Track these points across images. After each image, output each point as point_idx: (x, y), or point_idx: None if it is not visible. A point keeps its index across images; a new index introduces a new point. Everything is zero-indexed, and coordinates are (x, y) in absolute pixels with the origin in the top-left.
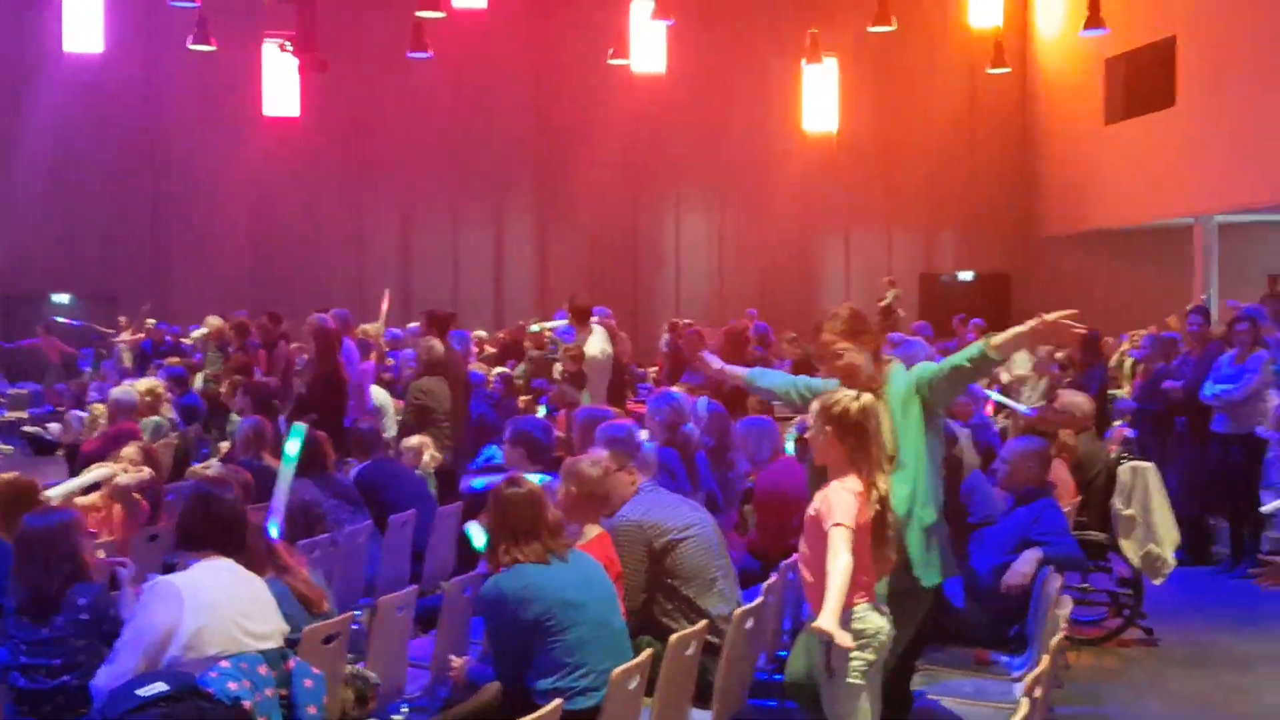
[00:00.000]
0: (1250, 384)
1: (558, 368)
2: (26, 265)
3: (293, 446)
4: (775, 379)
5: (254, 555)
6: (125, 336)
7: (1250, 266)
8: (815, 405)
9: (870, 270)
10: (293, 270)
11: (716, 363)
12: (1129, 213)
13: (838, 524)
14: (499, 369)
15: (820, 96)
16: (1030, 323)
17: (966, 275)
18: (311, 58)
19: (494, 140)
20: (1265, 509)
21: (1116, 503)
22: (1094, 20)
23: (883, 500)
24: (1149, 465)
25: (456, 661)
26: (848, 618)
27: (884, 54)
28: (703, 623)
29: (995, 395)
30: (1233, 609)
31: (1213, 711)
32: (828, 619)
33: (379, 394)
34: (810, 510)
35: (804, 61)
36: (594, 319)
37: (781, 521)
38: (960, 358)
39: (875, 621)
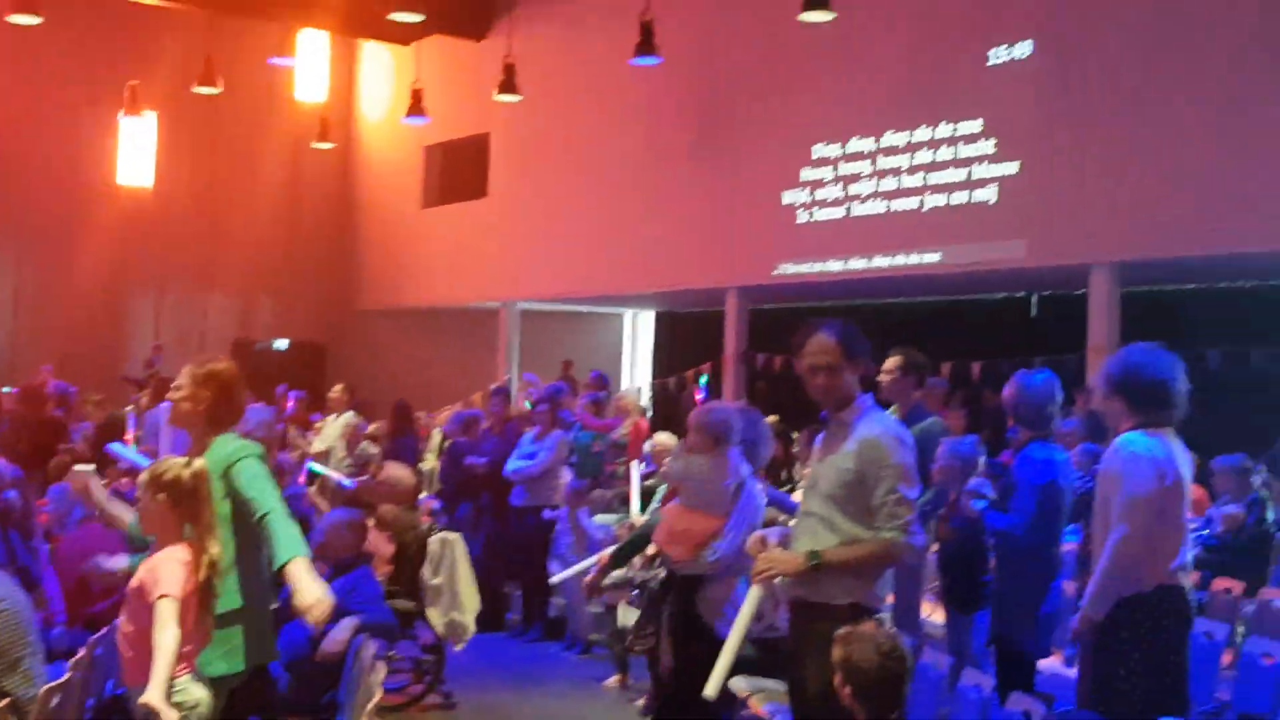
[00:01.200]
0: (546, 460)
1: None
2: None
3: None
4: None
5: None
6: None
7: (548, 350)
8: (144, 475)
9: (182, 334)
10: None
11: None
12: (442, 294)
13: (164, 595)
14: None
15: (137, 151)
16: None
17: (282, 344)
18: None
19: None
20: (554, 579)
21: (426, 572)
22: (416, 109)
23: (212, 565)
24: (456, 536)
25: None
26: (169, 691)
27: (209, 115)
28: (4, 701)
29: (314, 466)
30: (524, 671)
31: None
32: (155, 694)
33: None
34: (134, 581)
35: (121, 113)
36: None
37: (81, 589)
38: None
39: (196, 694)
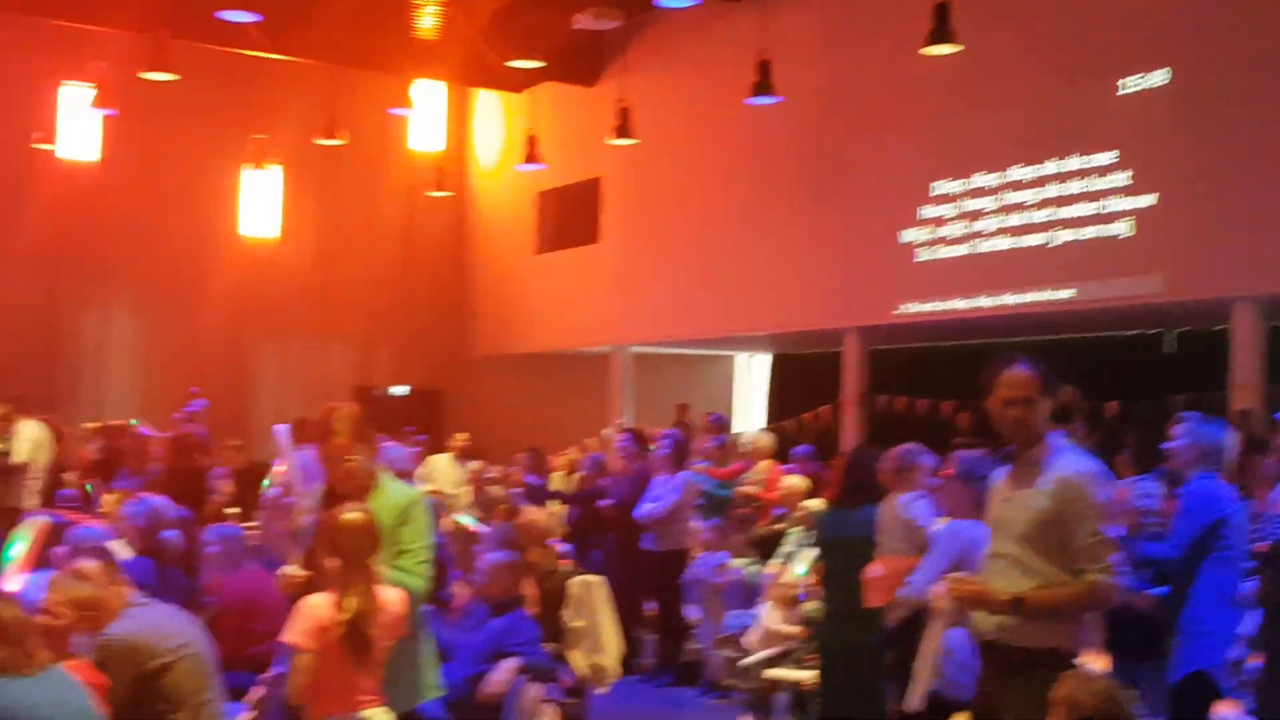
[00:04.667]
0: (670, 503)
1: None
2: None
3: None
4: None
5: None
6: None
7: (660, 394)
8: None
9: (305, 381)
10: None
11: None
12: (555, 339)
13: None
14: None
15: (261, 203)
16: None
17: (401, 390)
18: None
19: None
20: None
21: (567, 614)
22: (531, 155)
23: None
24: (599, 579)
25: None
26: None
27: (329, 166)
28: None
29: (461, 517)
30: (662, 715)
31: None
32: None
33: None
34: None
35: (246, 165)
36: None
37: (244, 630)
38: (407, 577)
39: None
